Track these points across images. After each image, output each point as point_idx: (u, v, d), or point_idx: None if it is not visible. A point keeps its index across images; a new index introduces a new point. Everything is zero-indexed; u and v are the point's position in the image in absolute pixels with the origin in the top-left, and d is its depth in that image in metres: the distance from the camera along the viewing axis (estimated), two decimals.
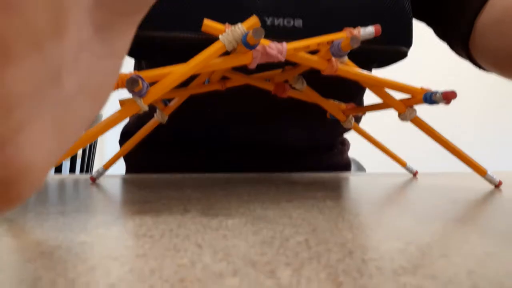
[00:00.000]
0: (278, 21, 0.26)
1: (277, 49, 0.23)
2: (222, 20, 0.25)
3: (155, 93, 0.21)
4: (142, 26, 0.24)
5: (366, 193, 0.25)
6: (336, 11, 0.27)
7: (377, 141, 0.36)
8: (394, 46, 0.29)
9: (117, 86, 0.21)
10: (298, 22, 0.27)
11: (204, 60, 0.22)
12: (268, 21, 0.26)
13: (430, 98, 0.25)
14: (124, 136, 0.48)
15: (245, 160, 0.44)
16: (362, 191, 0.26)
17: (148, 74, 0.22)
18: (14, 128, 0.08)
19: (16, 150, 0.08)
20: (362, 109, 0.32)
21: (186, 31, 0.25)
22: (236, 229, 0.15)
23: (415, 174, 0.39)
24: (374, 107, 0.31)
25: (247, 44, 0.22)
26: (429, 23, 0.39)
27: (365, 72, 0.26)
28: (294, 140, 0.45)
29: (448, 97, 0.24)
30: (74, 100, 0.10)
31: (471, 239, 0.14)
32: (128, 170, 0.48)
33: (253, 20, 0.22)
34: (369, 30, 0.24)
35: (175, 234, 0.14)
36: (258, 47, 0.23)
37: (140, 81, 0.20)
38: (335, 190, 0.26)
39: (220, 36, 0.22)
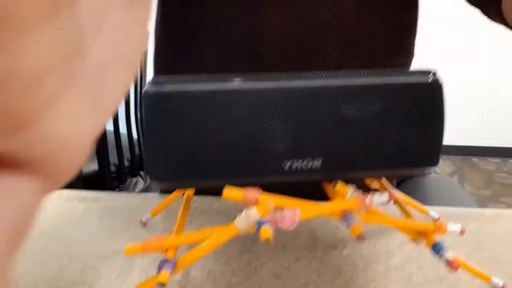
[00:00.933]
0: (297, 164, 0.27)
1: (290, 222, 0.25)
2: (243, 165, 0.27)
3: (182, 265, 0.25)
4: (171, 177, 0.27)
5: None
6: (358, 147, 0.27)
7: None
8: (420, 169, 0.29)
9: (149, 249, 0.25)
10: (317, 163, 0.27)
11: (218, 242, 0.25)
12: (286, 166, 0.27)
13: (437, 251, 0.26)
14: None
15: None
16: None
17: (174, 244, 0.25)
18: (43, 102, 0.08)
19: (52, 124, 0.08)
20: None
21: (208, 181, 0.28)
22: None
23: None
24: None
25: (259, 228, 0.24)
26: None
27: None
28: None
29: (452, 266, 0.25)
30: (105, 69, 0.10)
31: None
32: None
33: (265, 207, 0.24)
34: (382, 198, 0.25)
35: None
36: (270, 219, 0.25)
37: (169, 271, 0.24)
38: None
39: (236, 221, 0.24)
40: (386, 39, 0.46)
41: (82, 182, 0.79)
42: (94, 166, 0.86)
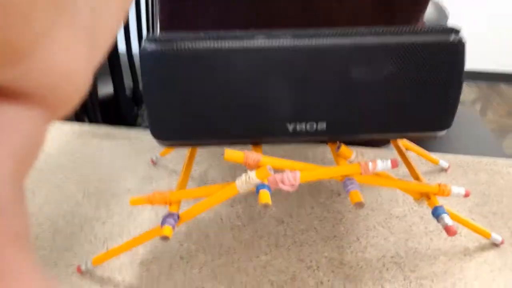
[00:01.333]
0: (301, 126, 0.27)
1: (290, 184, 0.25)
2: (246, 127, 0.26)
3: (184, 219, 0.26)
4: (172, 137, 0.27)
5: None
6: (363, 110, 0.26)
7: None
8: (431, 133, 0.28)
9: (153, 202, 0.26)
10: (322, 125, 0.27)
11: (217, 200, 0.25)
12: (290, 128, 0.27)
13: (436, 215, 0.27)
14: None
15: None
16: None
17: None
18: (38, 34, 0.08)
19: (49, 56, 0.08)
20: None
21: (212, 140, 0.27)
22: None
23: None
24: None
25: (259, 191, 0.24)
26: None
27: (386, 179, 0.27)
28: None
29: (449, 231, 0.25)
30: (99, 3, 0.10)
31: None
32: None
33: (264, 172, 0.24)
34: (386, 165, 0.25)
35: None
36: (271, 180, 0.25)
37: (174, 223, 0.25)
38: None
39: (236, 183, 0.25)
40: None
41: (98, 106, 0.80)
42: (110, 90, 0.86)
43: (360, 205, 0.23)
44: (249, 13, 0.44)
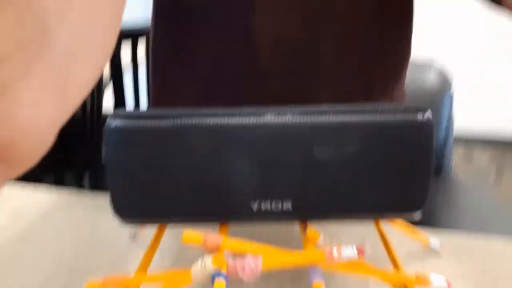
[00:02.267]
0: (266, 205, 0.26)
1: (250, 272, 0.24)
2: (209, 206, 0.25)
3: None
4: (134, 214, 0.26)
5: None
6: (331, 189, 0.25)
7: None
8: (403, 214, 0.26)
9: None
10: (287, 205, 0.26)
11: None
12: (254, 206, 0.26)
13: None
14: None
15: None
16: None
17: None
18: (3, 85, 0.08)
19: (12, 108, 0.08)
20: None
21: (172, 218, 0.26)
22: None
23: None
24: None
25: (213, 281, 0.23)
26: None
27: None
28: None
29: None
30: (73, 56, 0.09)
31: None
32: None
33: (220, 258, 0.22)
34: (350, 252, 0.23)
35: None
36: (229, 268, 0.23)
37: None
38: None
39: (192, 270, 0.23)
40: (380, 39, 0.43)
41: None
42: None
43: None
44: (237, 91, 0.45)
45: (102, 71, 0.10)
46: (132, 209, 0.26)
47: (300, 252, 0.24)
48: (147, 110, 0.25)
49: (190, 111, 0.25)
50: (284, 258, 0.24)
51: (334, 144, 0.24)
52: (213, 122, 0.24)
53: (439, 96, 0.96)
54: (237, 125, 0.24)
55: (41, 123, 0.09)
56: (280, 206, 0.25)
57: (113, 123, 0.24)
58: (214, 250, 0.24)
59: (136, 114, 0.25)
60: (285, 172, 0.25)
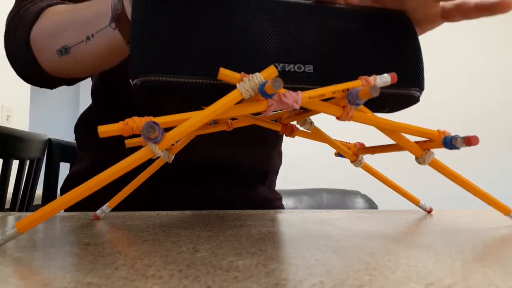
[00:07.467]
0: (289, 67, 0.27)
1: (293, 98, 0.24)
2: (234, 66, 0.26)
3: (171, 139, 0.22)
4: (152, 70, 0.25)
5: (381, 231, 0.24)
6: (346, 57, 0.28)
7: (388, 179, 0.35)
8: (406, 90, 0.29)
9: (131, 131, 0.22)
10: (309, 68, 0.27)
11: (221, 108, 0.22)
12: (279, 67, 0.27)
13: (450, 142, 0.25)
14: (75, 182, 0.50)
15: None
16: (377, 229, 0.25)
17: (164, 120, 0.22)
18: None
19: None
20: (374, 150, 0.32)
21: (197, 76, 0.26)
22: (248, 270, 0.14)
23: (429, 211, 0.38)
24: (387, 148, 0.30)
25: (264, 93, 0.22)
26: None
27: (380, 117, 0.26)
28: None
29: (470, 142, 0.23)
30: None
31: (494, 280, 0.12)
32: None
33: (271, 70, 0.23)
34: (385, 79, 0.25)
35: (185, 275, 0.14)
36: (274, 96, 0.23)
37: (156, 128, 0.21)
38: (349, 229, 0.25)
39: (237, 85, 0.23)
40: None
41: None
42: None
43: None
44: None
45: None
46: (157, 64, 0.25)
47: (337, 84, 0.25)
48: None
49: None
50: (323, 89, 0.24)
51: (344, 18, 0.29)
52: None
53: None
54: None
55: None
56: (303, 68, 0.27)
57: None
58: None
59: None
60: (305, 39, 0.28)
